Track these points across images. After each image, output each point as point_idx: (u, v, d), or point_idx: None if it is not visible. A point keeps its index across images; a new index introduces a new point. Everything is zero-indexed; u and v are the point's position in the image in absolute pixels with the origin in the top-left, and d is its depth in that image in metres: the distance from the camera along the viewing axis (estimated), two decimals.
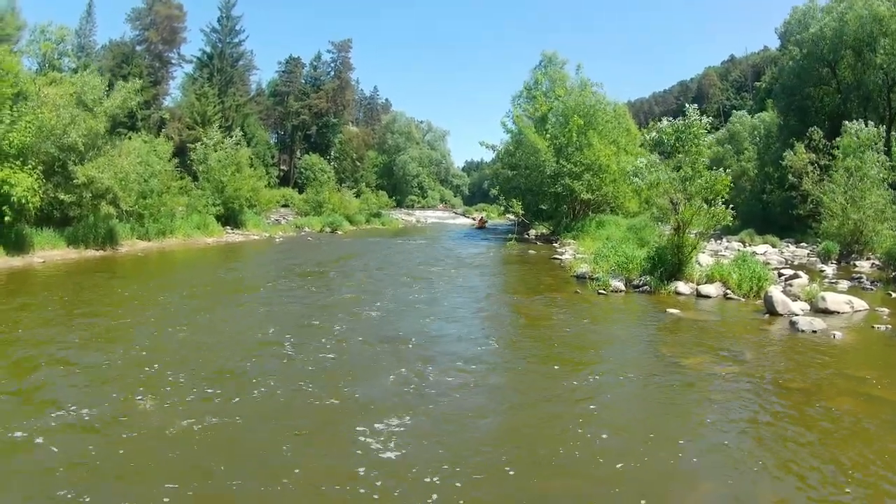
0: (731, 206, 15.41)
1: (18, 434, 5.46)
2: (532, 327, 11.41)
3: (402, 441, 5.65)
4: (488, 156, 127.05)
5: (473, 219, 62.89)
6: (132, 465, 5.02)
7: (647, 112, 77.66)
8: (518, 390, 7.51)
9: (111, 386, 6.88)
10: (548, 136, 34.89)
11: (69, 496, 4.49)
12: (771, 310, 12.13)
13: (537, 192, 35.78)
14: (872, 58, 31.46)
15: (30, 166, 17.28)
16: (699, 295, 14.42)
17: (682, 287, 14.76)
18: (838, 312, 12.14)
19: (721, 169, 15.53)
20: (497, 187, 39.79)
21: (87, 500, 4.47)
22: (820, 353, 9.19)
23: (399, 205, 77.52)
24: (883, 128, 24.69)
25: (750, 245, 27.86)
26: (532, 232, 38.18)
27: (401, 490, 4.80)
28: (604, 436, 5.99)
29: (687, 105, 17.39)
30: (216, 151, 33.16)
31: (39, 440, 5.36)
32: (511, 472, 5.17)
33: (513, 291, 16.64)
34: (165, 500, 4.50)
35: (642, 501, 4.72)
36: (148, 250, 22.68)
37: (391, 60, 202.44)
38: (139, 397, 6.50)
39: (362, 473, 5.03)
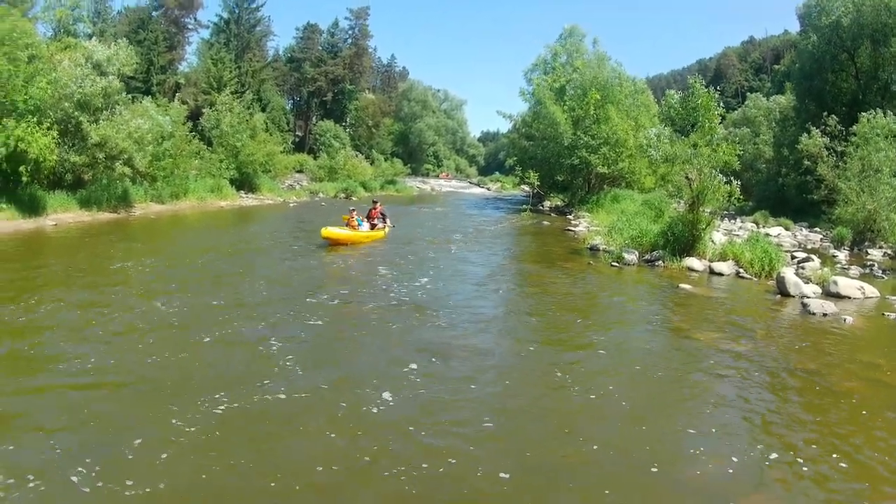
0: (738, 181, 14.80)
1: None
2: (544, 296, 11.42)
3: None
4: (504, 126, 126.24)
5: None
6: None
7: (665, 88, 76.30)
8: (526, 359, 7.55)
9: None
10: (566, 107, 34.43)
11: None
12: (783, 290, 12.05)
13: (553, 164, 35.41)
14: (890, 49, 30.75)
15: (45, 126, 17.28)
16: (712, 272, 14.28)
17: (695, 263, 14.63)
18: (849, 297, 11.99)
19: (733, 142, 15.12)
20: (513, 158, 39.36)
21: None
22: (830, 337, 9.15)
23: (414, 173, 76.88)
24: None
25: (764, 227, 27.44)
26: (546, 203, 37.88)
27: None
28: (613, 406, 6.09)
29: (689, 77, 16.84)
30: (227, 115, 32.98)
31: None
32: (514, 442, 5.20)
33: (526, 261, 16.64)
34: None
35: (653, 468, 4.75)
36: (161, 213, 22.77)
37: (409, 28, 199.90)
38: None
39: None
